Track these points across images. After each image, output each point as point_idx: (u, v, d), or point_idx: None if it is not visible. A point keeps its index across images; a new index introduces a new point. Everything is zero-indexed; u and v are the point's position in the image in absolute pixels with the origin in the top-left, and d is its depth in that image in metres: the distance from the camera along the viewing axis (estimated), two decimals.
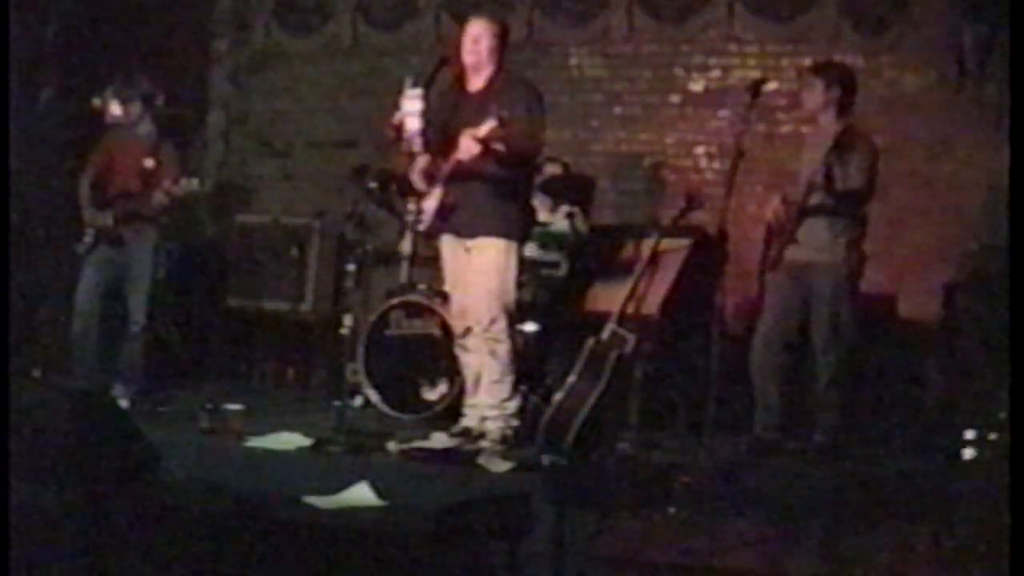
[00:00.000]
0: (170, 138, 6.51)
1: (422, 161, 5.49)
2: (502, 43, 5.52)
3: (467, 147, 5.20)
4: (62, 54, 7.72)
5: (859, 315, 5.66)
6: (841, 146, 5.46)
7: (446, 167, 5.39)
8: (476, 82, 5.53)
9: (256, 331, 7.86)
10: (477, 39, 5.47)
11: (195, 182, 6.20)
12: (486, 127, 5.14)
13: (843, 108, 5.64)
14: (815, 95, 5.65)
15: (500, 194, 5.42)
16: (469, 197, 5.42)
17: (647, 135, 7.65)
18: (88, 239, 6.38)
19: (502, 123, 5.12)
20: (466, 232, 5.48)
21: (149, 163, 6.23)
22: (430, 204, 5.49)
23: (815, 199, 5.51)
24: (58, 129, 7.52)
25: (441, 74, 5.55)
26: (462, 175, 5.37)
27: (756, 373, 5.67)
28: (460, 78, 5.55)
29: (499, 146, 5.22)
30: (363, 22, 8.28)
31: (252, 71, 8.66)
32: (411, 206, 5.98)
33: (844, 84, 5.67)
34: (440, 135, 5.45)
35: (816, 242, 5.56)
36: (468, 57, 5.49)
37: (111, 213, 6.34)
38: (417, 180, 5.53)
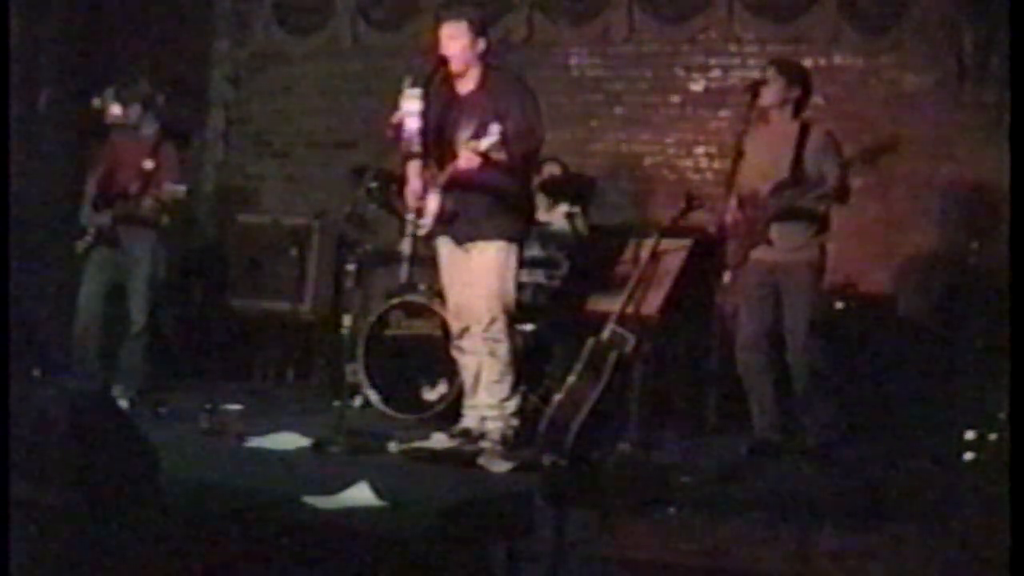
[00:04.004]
0: (171, 139, 6.50)
1: (415, 174, 5.48)
2: (482, 41, 5.44)
3: (467, 160, 5.19)
4: (62, 54, 7.71)
5: (854, 313, 5.66)
6: (809, 144, 5.49)
7: (443, 176, 5.38)
8: (466, 83, 5.49)
9: (256, 331, 7.86)
10: (452, 40, 5.41)
11: (182, 189, 6.17)
12: (486, 142, 5.11)
13: (799, 107, 5.66)
14: (775, 92, 5.62)
15: (499, 199, 5.40)
16: (468, 203, 5.40)
17: (647, 135, 7.66)
18: (88, 238, 6.39)
19: (503, 138, 5.09)
20: (465, 237, 5.47)
21: (149, 164, 6.23)
22: (430, 209, 5.47)
23: (790, 199, 5.51)
24: (58, 130, 7.52)
25: (439, 74, 5.54)
26: (460, 183, 5.36)
27: (745, 377, 5.68)
28: (450, 79, 5.50)
29: (499, 155, 5.20)
30: (363, 22, 8.28)
31: (252, 71, 8.66)
32: (411, 207, 5.98)
33: (804, 84, 5.69)
34: (435, 137, 5.44)
35: (789, 242, 5.56)
36: (451, 61, 5.43)
37: (109, 213, 6.36)
38: (411, 198, 5.52)
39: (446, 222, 5.46)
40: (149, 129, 6.44)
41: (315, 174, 8.34)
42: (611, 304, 5.53)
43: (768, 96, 5.60)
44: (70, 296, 6.50)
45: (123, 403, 6.02)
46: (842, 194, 5.50)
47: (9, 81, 6.89)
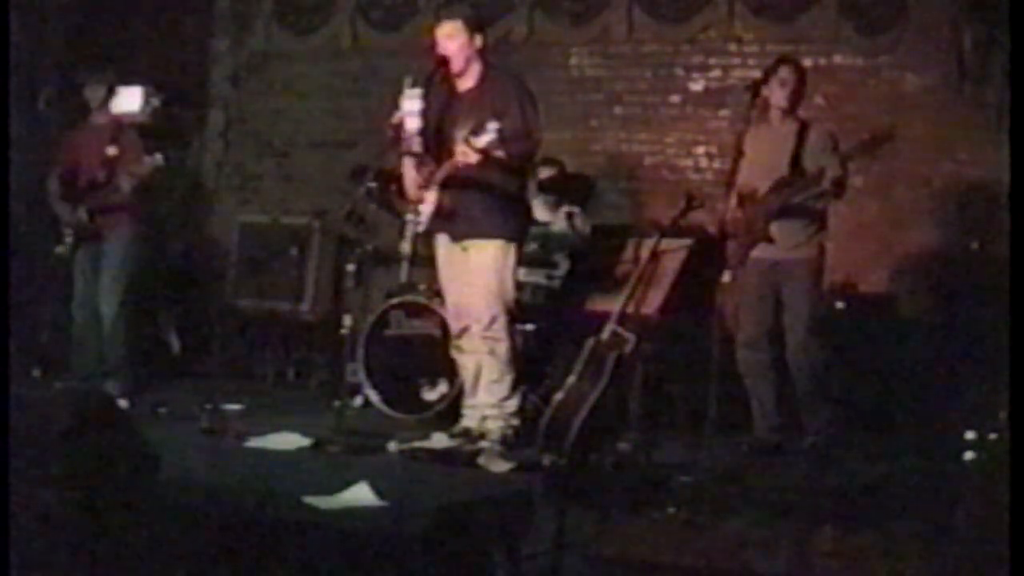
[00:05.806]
0: (168, 137, 6.47)
1: (411, 167, 5.47)
2: (479, 37, 5.45)
3: (464, 156, 5.19)
4: (62, 54, 7.71)
5: (854, 313, 5.65)
6: (809, 142, 5.50)
7: (440, 172, 5.38)
8: (465, 82, 5.50)
9: (256, 331, 7.86)
10: (449, 39, 5.42)
11: (159, 158, 6.09)
12: (484, 139, 5.11)
13: (797, 105, 5.68)
14: (785, 90, 5.63)
15: (496, 197, 5.41)
16: (465, 200, 5.41)
17: (647, 135, 7.66)
18: (68, 239, 6.32)
19: (501, 135, 5.10)
20: (462, 235, 5.48)
21: (112, 150, 6.16)
22: (427, 206, 5.48)
23: (790, 197, 5.50)
24: (58, 129, 7.52)
25: (439, 74, 5.54)
26: (458, 180, 5.36)
27: (747, 376, 5.68)
28: (450, 78, 5.50)
29: (497, 152, 5.20)
30: (363, 22, 8.28)
31: (252, 71, 8.66)
32: (410, 206, 5.98)
33: (804, 81, 5.73)
34: (433, 135, 5.44)
35: (790, 241, 5.57)
36: (450, 60, 5.43)
37: (84, 208, 6.29)
38: (411, 187, 5.52)
39: (444, 219, 5.46)
40: (103, 117, 6.38)
41: (315, 174, 8.34)
42: (611, 304, 5.53)
43: (783, 96, 5.61)
44: (69, 296, 6.49)
45: (123, 403, 6.02)
46: (839, 189, 5.50)
47: (9, 81, 6.89)
